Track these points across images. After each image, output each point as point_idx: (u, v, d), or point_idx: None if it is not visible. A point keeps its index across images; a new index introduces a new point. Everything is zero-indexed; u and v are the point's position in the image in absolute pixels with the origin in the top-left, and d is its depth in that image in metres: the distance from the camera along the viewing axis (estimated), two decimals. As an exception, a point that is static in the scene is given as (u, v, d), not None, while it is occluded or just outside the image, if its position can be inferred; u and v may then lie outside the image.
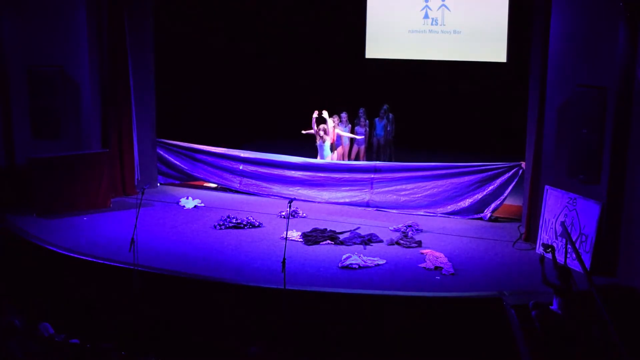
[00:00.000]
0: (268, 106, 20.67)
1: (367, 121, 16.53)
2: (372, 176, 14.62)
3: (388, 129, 16.78)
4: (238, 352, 9.65)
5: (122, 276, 11.00)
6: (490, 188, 13.81)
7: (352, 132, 16.26)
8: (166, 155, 16.06)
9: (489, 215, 13.83)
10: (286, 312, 9.90)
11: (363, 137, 16.32)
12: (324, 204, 14.73)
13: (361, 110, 16.63)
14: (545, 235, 12.03)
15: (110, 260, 11.47)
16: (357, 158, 16.36)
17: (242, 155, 15.62)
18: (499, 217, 13.92)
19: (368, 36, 17.96)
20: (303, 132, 15.65)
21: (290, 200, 10.82)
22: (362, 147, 16.37)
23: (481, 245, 12.57)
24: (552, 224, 11.87)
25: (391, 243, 12.60)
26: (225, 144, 16.17)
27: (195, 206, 14.60)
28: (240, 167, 15.56)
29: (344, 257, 11.73)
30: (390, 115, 16.88)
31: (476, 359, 10.08)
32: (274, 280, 10.65)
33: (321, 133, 15.21)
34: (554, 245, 9.64)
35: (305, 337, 10.30)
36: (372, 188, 14.60)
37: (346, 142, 16.12)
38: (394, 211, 14.31)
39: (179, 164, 16.05)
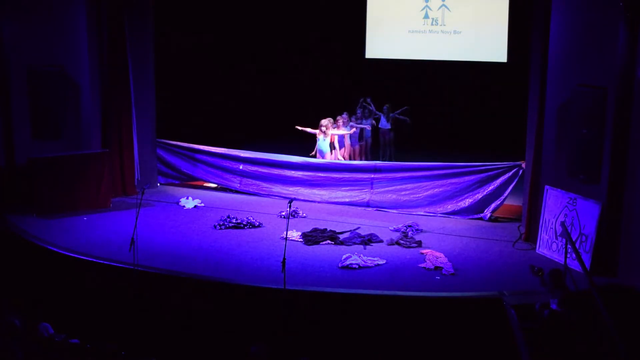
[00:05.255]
0: (268, 106, 20.67)
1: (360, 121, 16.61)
2: (372, 176, 14.62)
3: (388, 127, 16.84)
4: (238, 352, 9.65)
5: (122, 276, 11.00)
6: (491, 188, 13.81)
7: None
8: (166, 155, 16.05)
9: (489, 215, 13.83)
10: (286, 312, 9.91)
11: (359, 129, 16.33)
12: (324, 204, 14.72)
13: (359, 111, 16.67)
14: (545, 235, 12.03)
15: (110, 260, 11.47)
16: (355, 157, 16.35)
17: (242, 155, 15.61)
18: (499, 217, 13.92)
19: (368, 36, 17.96)
20: (298, 127, 15.60)
21: (290, 200, 10.82)
22: (357, 147, 16.34)
23: (481, 245, 12.57)
24: (552, 224, 11.87)
25: (391, 243, 12.60)
26: (225, 144, 16.16)
27: (195, 206, 14.60)
28: (240, 167, 15.56)
29: (344, 257, 11.73)
30: (391, 115, 16.93)
31: (476, 359, 10.08)
32: (274, 280, 10.65)
33: (323, 129, 15.28)
34: (543, 269, 9.66)
35: (305, 337, 10.30)
36: (372, 188, 14.60)
37: (347, 142, 16.08)
38: (394, 211, 14.30)
39: (179, 164, 16.04)
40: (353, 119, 16.23)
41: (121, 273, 11.07)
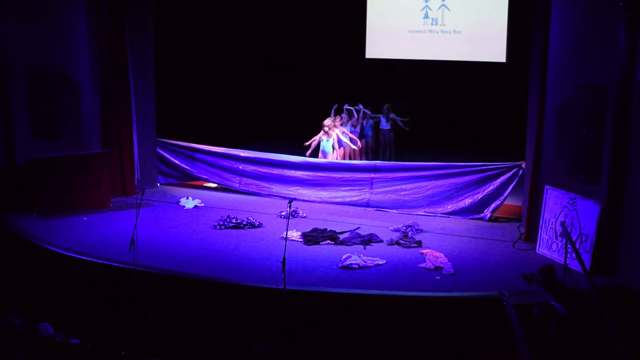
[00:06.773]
0: (268, 106, 20.67)
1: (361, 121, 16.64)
2: (372, 176, 14.62)
3: (388, 128, 16.85)
4: (238, 352, 9.65)
5: (122, 276, 11.00)
6: (491, 188, 13.81)
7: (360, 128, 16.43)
8: (166, 155, 16.05)
9: (489, 215, 13.83)
10: (285, 313, 9.91)
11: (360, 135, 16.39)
12: (324, 204, 14.72)
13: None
14: (545, 235, 12.04)
15: (110, 260, 11.47)
16: (355, 157, 16.36)
17: (242, 154, 15.61)
18: (499, 217, 13.92)
19: (368, 36, 17.98)
20: (305, 144, 15.65)
21: (290, 200, 10.82)
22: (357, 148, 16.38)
23: (481, 245, 12.58)
24: (552, 224, 11.87)
25: (391, 243, 12.60)
26: (225, 144, 16.17)
27: (195, 206, 14.60)
28: (240, 167, 15.56)
29: (344, 257, 11.73)
30: (391, 115, 16.95)
31: (476, 359, 10.08)
32: (274, 280, 10.65)
33: (326, 129, 15.27)
34: (536, 275, 9.65)
35: (305, 337, 10.30)
36: (372, 188, 14.59)
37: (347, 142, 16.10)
38: (394, 211, 14.30)
39: (179, 164, 16.04)
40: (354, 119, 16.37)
41: (121, 273, 11.07)
